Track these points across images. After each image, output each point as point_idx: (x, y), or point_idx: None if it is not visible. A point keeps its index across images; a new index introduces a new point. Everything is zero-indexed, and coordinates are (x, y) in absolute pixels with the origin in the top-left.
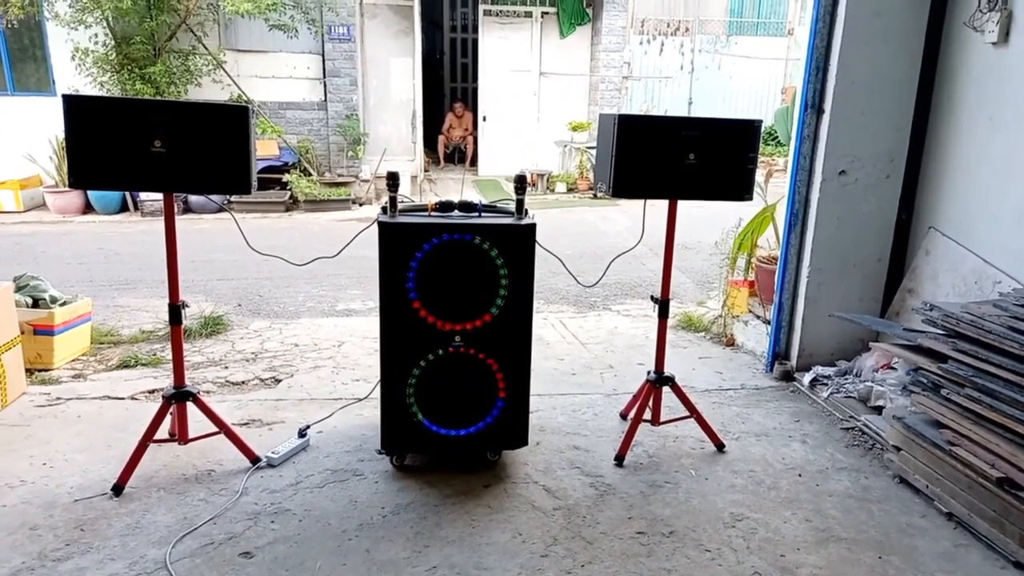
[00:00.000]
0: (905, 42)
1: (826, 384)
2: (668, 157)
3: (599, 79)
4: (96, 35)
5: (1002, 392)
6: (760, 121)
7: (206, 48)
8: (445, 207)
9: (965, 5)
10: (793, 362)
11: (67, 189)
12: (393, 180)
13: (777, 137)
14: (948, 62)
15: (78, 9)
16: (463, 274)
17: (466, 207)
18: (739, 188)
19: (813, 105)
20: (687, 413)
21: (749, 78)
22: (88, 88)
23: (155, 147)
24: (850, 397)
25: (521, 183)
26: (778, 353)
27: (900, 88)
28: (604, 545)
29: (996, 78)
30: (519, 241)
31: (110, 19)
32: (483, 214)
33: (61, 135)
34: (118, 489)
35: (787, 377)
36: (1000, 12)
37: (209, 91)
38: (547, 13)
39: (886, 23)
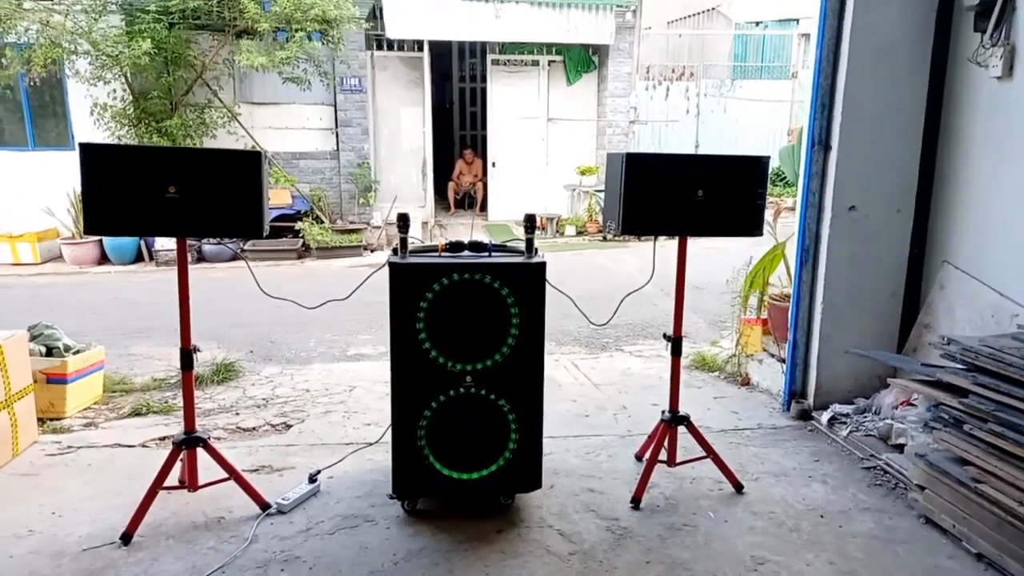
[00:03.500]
0: (910, 79)
1: (845, 422)
2: (677, 194)
3: (606, 124)
4: (115, 90)
5: None
6: (768, 156)
7: (221, 101)
8: (455, 247)
9: (968, 41)
10: (810, 400)
11: (83, 240)
12: (403, 221)
13: (785, 178)
14: (954, 97)
15: (98, 66)
16: (474, 313)
17: (476, 247)
18: (749, 223)
19: (820, 142)
20: (703, 453)
21: (755, 121)
22: (107, 142)
23: (169, 193)
24: (870, 435)
25: (531, 222)
26: (794, 392)
27: (907, 123)
28: None
29: (1002, 112)
30: (529, 279)
31: (128, 75)
32: (493, 253)
33: (79, 188)
34: (127, 537)
35: (804, 416)
36: (1003, 47)
37: (224, 143)
38: (554, 61)
39: (890, 60)
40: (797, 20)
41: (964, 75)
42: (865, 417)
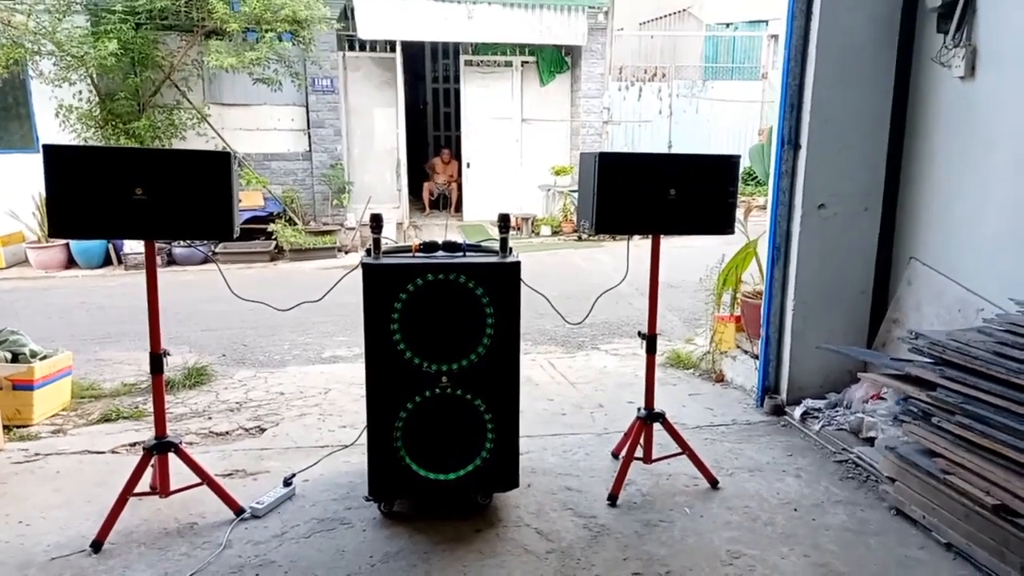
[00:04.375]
0: (876, 79)
1: (817, 417)
2: (649, 193)
3: (580, 124)
4: (80, 92)
5: (992, 418)
6: (738, 156)
7: (190, 102)
8: (429, 247)
9: (932, 42)
10: (783, 396)
11: (49, 244)
12: (376, 222)
13: (756, 177)
14: (919, 97)
15: (63, 67)
16: (448, 314)
17: (450, 247)
18: (721, 221)
19: (790, 141)
20: (679, 450)
21: (726, 121)
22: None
23: (136, 195)
24: (842, 429)
25: (505, 222)
26: (767, 387)
27: (874, 122)
28: None
29: (965, 110)
30: (504, 279)
31: (94, 76)
32: (467, 253)
33: (44, 191)
34: (97, 545)
35: (778, 411)
36: (965, 48)
37: (194, 144)
38: (527, 62)
39: (857, 60)
40: (767, 21)
41: (928, 75)
42: (836, 411)
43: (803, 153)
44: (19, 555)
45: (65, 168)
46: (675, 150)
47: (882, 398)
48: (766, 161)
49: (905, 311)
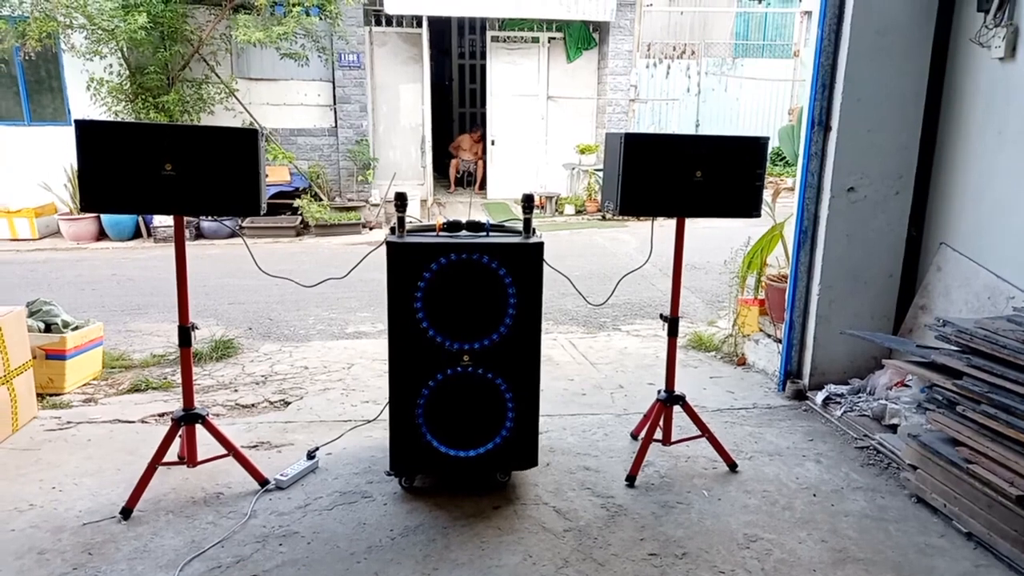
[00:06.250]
0: (911, 58)
1: (839, 403)
2: (675, 174)
3: (606, 102)
4: (111, 65)
5: (1019, 408)
6: (767, 138)
7: (219, 77)
8: (453, 227)
9: (971, 21)
10: (805, 381)
11: (81, 216)
12: (401, 200)
13: (785, 158)
14: (955, 78)
15: (93, 40)
16: (471, 293)
17: (474, 227)
18: (747, 205)
19: (820, 122)
20: (699, 433)
21: (756, 100)
22: (103, 117)
23: (166, 170)
24: (864, 415)
25: (529, 202)
26: (790, 372)
27: (907, 104)
28: (616, 567)
29: (1003, 93)
30: (527, 259)
31: (125, 50)
32: (491, 233)
33: (76, 163)
34: (127, 512)
35: (799, 396)
36: (1006, 28)
37: (222, 119)
38: (554, 38)
39: (891, 40)
40: None
41: (966, 56)
42: (859, 397)
43: (833, 135)
44: (53, 520)
45: (96, 143)
46: (703, 129)
47: (906, 385)
48: (796, 142)
49: (933, 297)
